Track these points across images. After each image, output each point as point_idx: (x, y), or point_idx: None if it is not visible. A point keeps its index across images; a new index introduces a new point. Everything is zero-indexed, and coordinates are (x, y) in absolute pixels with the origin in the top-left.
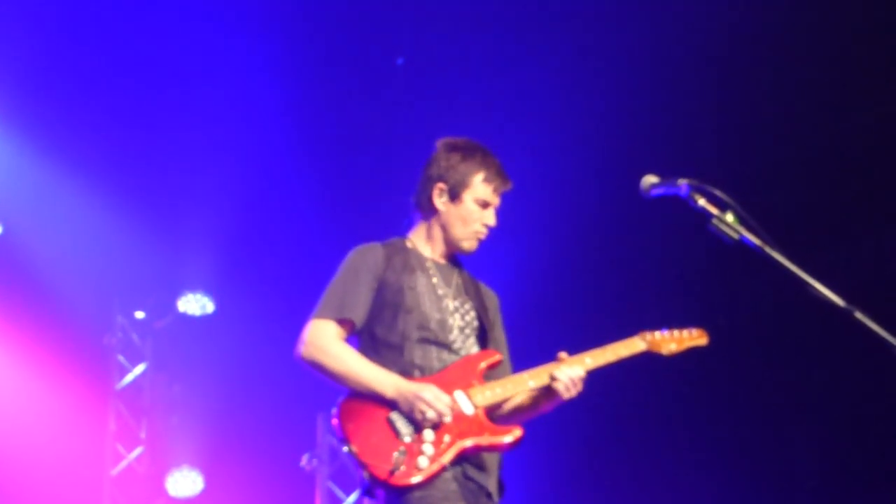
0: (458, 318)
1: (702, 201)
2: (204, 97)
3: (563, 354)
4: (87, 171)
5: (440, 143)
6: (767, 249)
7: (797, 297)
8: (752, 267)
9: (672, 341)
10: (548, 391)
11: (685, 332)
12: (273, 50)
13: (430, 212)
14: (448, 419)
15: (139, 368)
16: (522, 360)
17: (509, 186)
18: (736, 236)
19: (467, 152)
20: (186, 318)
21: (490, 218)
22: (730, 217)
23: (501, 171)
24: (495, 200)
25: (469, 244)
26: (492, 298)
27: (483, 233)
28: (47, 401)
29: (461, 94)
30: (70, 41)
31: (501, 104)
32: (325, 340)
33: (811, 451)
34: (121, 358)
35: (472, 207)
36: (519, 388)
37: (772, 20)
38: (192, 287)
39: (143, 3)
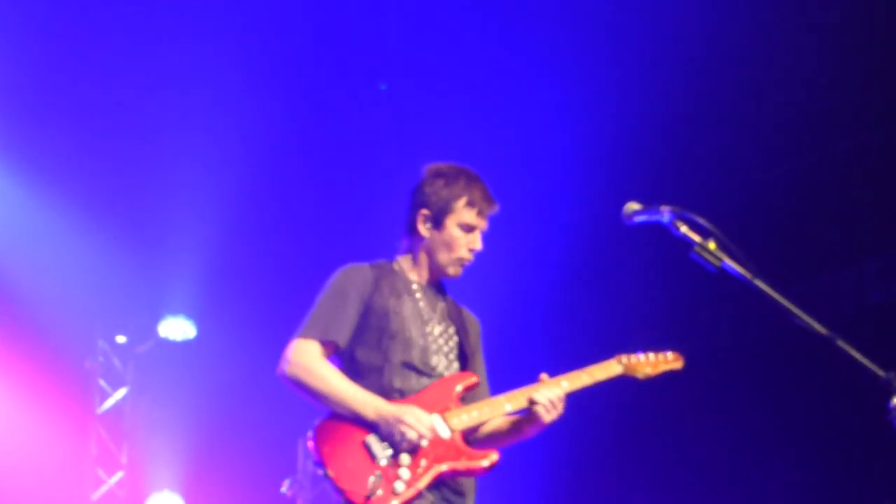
0: (441, 343)
1: (684, 228)
2: (185, 122)
3: (544, 376)
4: (68, 196)
5: (426, 169)
6: (750, 277)
7: (778, 323)
8: (734, 293)
9: (648, 365)
10: (528, 415)
11: (661, 356)
12: (257, 74)
13: (415, 238)
14: (425, 443)
15: (120, 393)
16: (504, 384)
17: (495, 209)
18: (718, 264)
19: (451, 177)
20: (168, 343)
21: (475, 242)
22: (712, 244)
23: (486, 194)
24: (481, 224)
25: (454, 269)
26: (474, 324)
27: (468, 258)
28: (28, 425)
29: (445, 119)
30: (49, 66)
31: (486, 129)
32: (309, 359)
33: (788, 477)
34: (102, 382)
35: (456, 233)
36: (496, 411)
37: (753, 52)
38: (174, 311)
39: (124, 35)
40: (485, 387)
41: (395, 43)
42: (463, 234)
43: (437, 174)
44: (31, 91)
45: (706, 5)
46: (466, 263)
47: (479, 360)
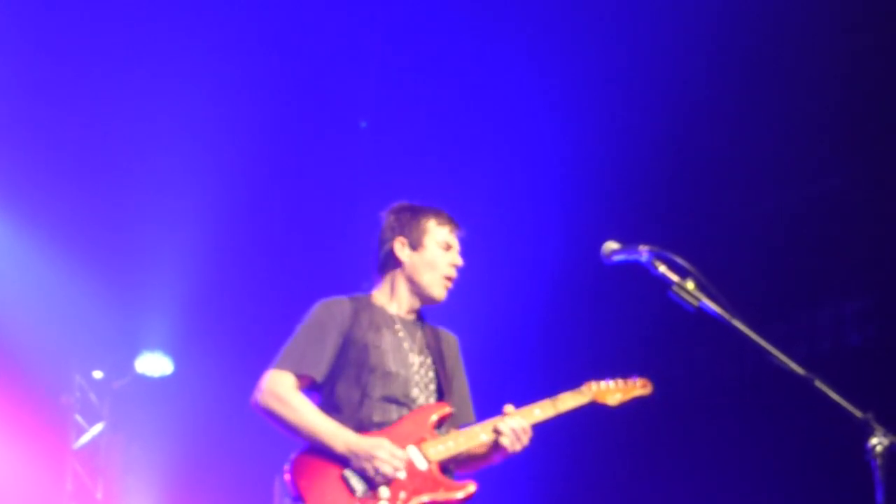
0: (421, 375)
1: (662, 268)
2: (162, 156)
3: (509, 407)
4: (44, 231)
5: (385, 213)
6: (728, 317)
7: (759, 360)
8: (711, 331)
9: (617, 391)
10: (496, 444)
11: (630, 382)
12: (236, 112)
13: (393, 267)
14: (402, 475)
15: (96, 428)
16: (492, 410)
17: (462, 230)
18: (696, 303)
19: (413, 207)
20: (145, 379)
21: (456, 258)
22: (690, 284)
23: (450, 216)
24: (455, 242)
25: (439, 290)
26: (451, 345)
27: (452, 275)
28: (3, 460)
29: (424, 157)
30: (26, 103)
31: (465, 166)
32: (283, 390)
33: None
34: (78, 418)
35: (437, 251)
36: (471, 442)
37: (737, 92)
38: (151, 347)
39: (104, 72)
40: (468, 405)
41: (376, 81)
42: (442, 251)
43: (399, 209)
44: (6, 128)
45: (693, 45)
46: (450, 282)
47: (460, 381)
